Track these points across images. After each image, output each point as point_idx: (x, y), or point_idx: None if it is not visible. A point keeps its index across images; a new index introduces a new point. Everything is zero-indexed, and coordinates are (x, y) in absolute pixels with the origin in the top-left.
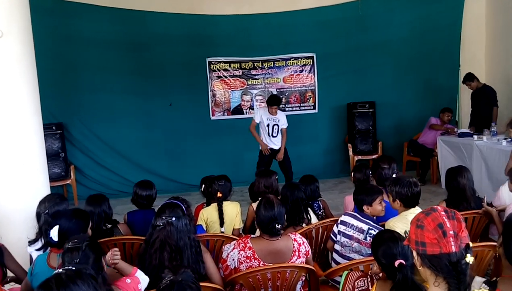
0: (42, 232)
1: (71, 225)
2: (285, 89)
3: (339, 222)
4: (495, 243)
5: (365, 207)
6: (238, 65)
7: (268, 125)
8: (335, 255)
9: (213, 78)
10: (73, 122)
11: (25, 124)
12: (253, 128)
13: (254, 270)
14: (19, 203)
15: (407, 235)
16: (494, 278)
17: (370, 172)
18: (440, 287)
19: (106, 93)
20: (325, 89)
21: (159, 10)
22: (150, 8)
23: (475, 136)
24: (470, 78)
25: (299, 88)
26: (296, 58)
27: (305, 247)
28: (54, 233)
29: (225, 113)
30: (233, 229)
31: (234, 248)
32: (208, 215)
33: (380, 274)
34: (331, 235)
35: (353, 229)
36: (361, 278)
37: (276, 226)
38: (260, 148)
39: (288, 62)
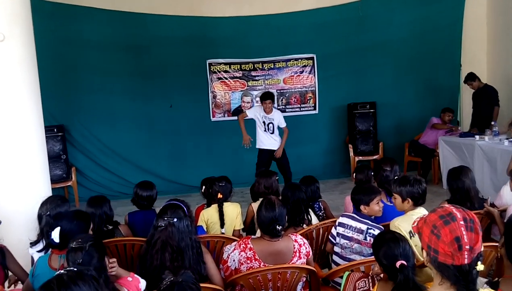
0: (44, 233)
1: (72, 227)
2: (286, 90)
3: (337, 224)
4: (497, 244)
5: (362, 207)
6: (239, 67)
7: (264, 122)
8: (335, 257)
9: (214, 80)
10: (74, 124)
11: (26, 127)
12: (241, 119)
13: (255, 271)
14: (20, 204)
15: (411, 235)
16: (496, 279)
17: (372, 173)
18: (443, 287)
19: (106, 95)
20: (326, 90)
21: (159, 12)
22: (150, 11)
23: (477, 137)
24: (471, 78)
25: (300, 89)
26: (296, 59)
27: (306, 248)
28: (55, 235)
29: (226, 115)
30: (234, 230)
31: (234, 249)
32: (208, 216)
33: (381, 275)
34: (330, 237)
35: (352, 230)
36: (362, 279)
37: (277, 227)
38: (257, 147)
39: (288, 63)
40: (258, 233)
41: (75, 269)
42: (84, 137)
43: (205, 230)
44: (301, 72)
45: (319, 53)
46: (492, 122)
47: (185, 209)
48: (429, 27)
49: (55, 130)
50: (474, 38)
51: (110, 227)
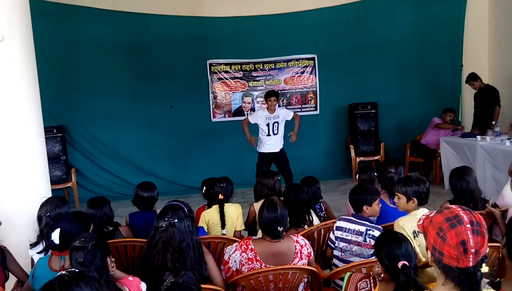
0: (44, 235)
1: (72, 228)
2: (286, 91)
3: (334, 228)
4: (498, 244)
5: (365, 207)
6: (239, 67)
7: (268, 124)
8: (335, 261)
9: (214, 80)
10: (74, 125)
11: (26, 128)
12: (245, 124)
13: (256, 272)
14: (20, 205)
15: (415, 234)
16: (498, 279)
17: (376, 174)
18: (446, 287)
19: (106, 96)
20: (327, 90)
21: (159, 12)
22: (150, 11)
23: (479, 137)
24: (473, 78)
25: (301, 90)
26: (297, 60)
27: (307, 249)
28: (55, 236)
29: (226, 115)
30: (235, 231)
31: (236, 250)
32: (209, 217)
33: (382, 275)
34: (329, 242)
35: (350, 233)
36: (364, 280)
37: (278, 228)
38: (258, 150)
39: (289, 63)
40: (260, 234)
41: (77, 270)
42: (84, 138)
43: (206, 231)
44: (302, 72)
45: (320, 53)
46: (494, 123)
47: (185, 209)
48: (430, 27)
49: (55, 131)
50: (476, 38)
51: (111, 228)
